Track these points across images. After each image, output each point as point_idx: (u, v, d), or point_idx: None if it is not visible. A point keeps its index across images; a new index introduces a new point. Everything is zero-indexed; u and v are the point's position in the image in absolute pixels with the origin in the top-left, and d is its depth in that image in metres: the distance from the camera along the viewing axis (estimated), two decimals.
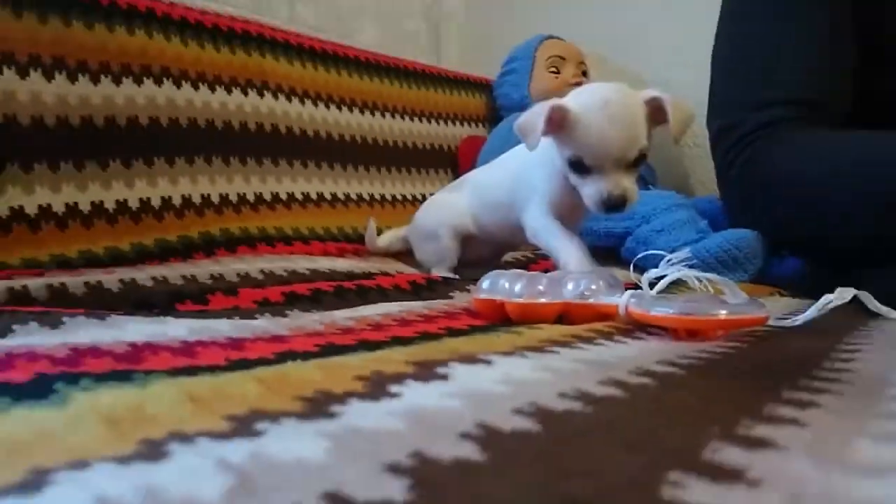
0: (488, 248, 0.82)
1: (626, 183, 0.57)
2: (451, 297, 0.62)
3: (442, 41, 1.63)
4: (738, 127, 0.82)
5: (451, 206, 0.80)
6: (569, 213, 0.65)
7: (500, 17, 1.65)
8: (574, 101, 0.58)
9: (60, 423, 0.21)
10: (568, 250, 0.63)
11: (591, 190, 0.58)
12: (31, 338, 0.36)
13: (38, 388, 0.25)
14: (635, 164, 0.58)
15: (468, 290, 0.65)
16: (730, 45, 0.88)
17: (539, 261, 0.91)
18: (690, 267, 0.46)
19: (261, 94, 0.88)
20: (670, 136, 0.58)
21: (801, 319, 0.47)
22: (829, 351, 0.37)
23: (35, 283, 0.51)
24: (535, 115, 0.57)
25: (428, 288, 0.65)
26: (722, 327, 0.41)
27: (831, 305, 0.47)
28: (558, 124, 0.57)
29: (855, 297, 0.49)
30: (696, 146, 1.39)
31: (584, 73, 1.26)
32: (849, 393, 0.27)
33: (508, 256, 0.95)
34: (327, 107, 0.98)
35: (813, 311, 0.47)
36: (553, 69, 1.23)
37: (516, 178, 0.69)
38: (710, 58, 0.89)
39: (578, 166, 0.58)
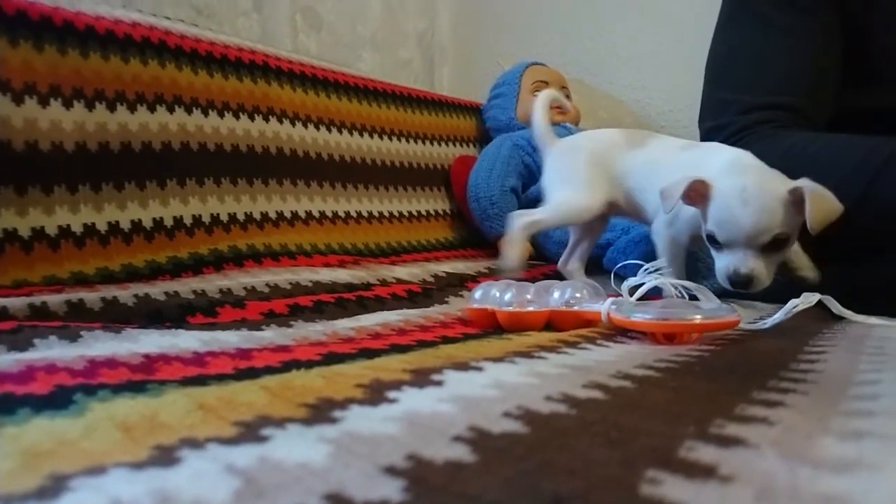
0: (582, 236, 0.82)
1: (755, 263, 0.55)
2: (446, 303, 0.62)
3: (435, 68, 1.63)
4: (725, 128, 0.82)
5: (612, 162, 0.74)
6: (686, 244, 0.68)
7: (487, 46, 1.66)
8: (718, 178, 0.57)
9: (78, 431, 0.21)
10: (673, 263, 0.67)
11: (720, 264, 0.57)
12: (51, 351, 0.36)
13: (58, 399, 0.25)
14: (773, 248, 0.55)
15: (461, 296, 0.65)
16: (721, 50, 0.88)
17: (529, 269, 0.91)
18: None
19: (266, 120, 0.88)
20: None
21: (769, 322, 0.47)
22: (795, 352, 0.37)
23: (55, 299, 0.51)
24: (678, 185, 0.57)
25: (424, 295, 0.65)
26: (696, 331, 0.41)
27: (797, 309, 0.47)
28: (699, 195, 0.57)
29: (820, 301, 0.49)
30: None
31: (567, 97, 1.27)
32: (814, 392, 0.27)
33: None
34: (328, 130, 0.98)
35: (780, 315, 0.47)
36: (537, 93, 1.24)
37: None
38: (705, 62, 0.89)
39: (713, 240, 0.58)
